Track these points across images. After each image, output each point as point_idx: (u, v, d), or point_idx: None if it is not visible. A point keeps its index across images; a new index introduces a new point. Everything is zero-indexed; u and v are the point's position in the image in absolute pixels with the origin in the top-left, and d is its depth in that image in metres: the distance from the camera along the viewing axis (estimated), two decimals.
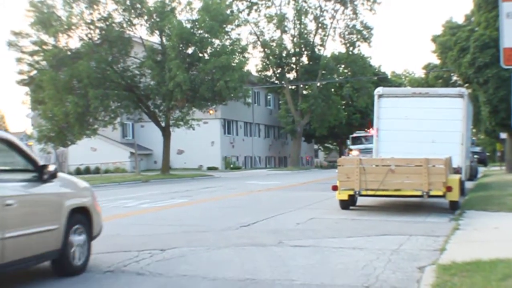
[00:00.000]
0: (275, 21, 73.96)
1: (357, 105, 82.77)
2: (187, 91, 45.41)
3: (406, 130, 22.09)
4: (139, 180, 41.53)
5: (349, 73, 79.40)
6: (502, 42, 14.35)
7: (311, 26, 77.04)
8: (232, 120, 71.48)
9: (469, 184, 27.99)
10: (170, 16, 45.92)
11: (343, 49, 77.81)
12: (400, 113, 22.42)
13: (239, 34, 52.87)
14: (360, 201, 19.44)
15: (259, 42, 74.77)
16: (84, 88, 45.15)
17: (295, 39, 75.71)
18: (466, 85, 46.02)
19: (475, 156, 45.09)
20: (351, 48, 77.14)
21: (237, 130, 73.42)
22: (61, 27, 44.87)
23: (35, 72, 47.15)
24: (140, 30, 48.63)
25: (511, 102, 14.57)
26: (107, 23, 46.39)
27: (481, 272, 8.31)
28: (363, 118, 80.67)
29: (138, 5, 46.60)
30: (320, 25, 76.25)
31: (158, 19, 46.49)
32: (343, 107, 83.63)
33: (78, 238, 9.45)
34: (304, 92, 77.53)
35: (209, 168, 64.37)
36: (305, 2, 75.71)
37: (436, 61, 73.19)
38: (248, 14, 73.77)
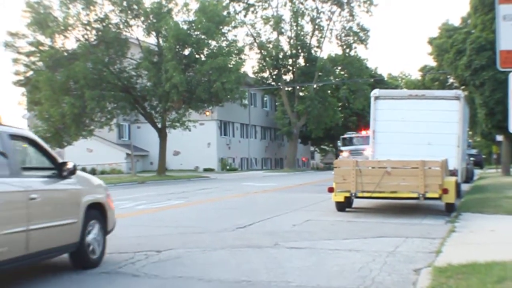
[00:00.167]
0: (271, 22, 74.04)
1: (354, 107, 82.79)
2: (184, 93, 45.38)
3: (402, 132, 22.09)
4: (135, 181, 41.49)
5: (346, 75, 79.53)
6: (499, 44, 14.37)
7: (308, 27, 77.25)
8: (229, 121, 71.46)
9: (465, 187, 27.98)
10: (166, 17, 45.88)
11: (339, 51, 78.08)
12: (397, 115, 22.42)
13: (235, 36, 52.67)
14: (356, 203, 19.45)
15: (255, 44, 74.85)
16: (80, 89, 45.10)
17: (291, 41, 75.81)
18: (463, 87, 46.11)
19: (471, 158, 45.13)
20: (347, 50, 77.29)
21: (233, 132, 73.41)
22: (58, 28, 44.81)
23: (31, 73, 47.08)
24: (137, 31, 48.68)
25: (507, 104, 14.56)
26: (104, 24, 46.34)
27: (477, 275, 8.31)
28: (360, 120, 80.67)
29: (135, 6, 46.57)
30: (316, 27, 76.36)
31: (154, 20, 46.46)
32: (340, 109, 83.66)
33: (94, 233, 10.02)
34: (301, 93, 77.60)
35: (205, 170, 64.35)
36: (302, 4, 75.86)
37: (432, 63, 73.31)
38: (245, 16, 73.90)
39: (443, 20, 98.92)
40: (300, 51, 76.49)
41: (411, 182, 16.82)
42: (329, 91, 79.17)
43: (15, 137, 8.78)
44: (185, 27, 46.62)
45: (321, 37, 77.08)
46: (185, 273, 9.39)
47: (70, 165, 9.40)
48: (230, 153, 71.55)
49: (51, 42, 45.68)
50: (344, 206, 18.52)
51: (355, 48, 77.79)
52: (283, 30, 75.33)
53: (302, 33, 76.50)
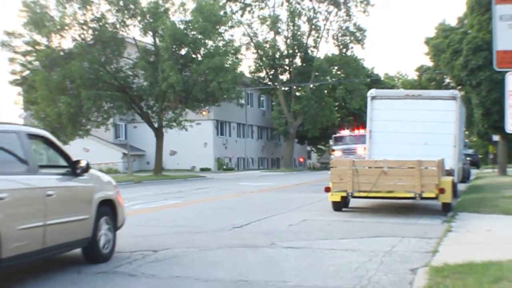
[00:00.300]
0: (268, 22, 74.01)
1: (350, 106, 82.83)
2: (180, 92, 45.36)
3: (399, 132, 22.08)
4: (131, 181, 41.44)
5: (342, 74, 79.56)
6: (495, 44, 14.40)
7: (305, 27, 77.25)
8: (225, 121, 71.45)
9: (461, 186, 28.02)
10: (163, 17, 45.86)
11: (336, 51, 78.05)
12: (393, 115, 22.41)
13: (232, 36, 52.85)
14: (353, 202, 19.45)
15: (252, 44, 74.82)
16: (76, 89, 45.04)
17: (288, 41, 75.79)
18: (459, 87, 46.18)
19: (468, 158, 45.14)
20: (344, 50, 77.32)
21: (230, 131, 73.39)
22: (54, 27, 44.74)
23: (27, 72, 47.02)
24: (133, 31, 48.60)
25: (504, 104, 14.59)
26: (100, 23, 46.28)
27: (473, 274, 8.32)
28: (356, 120, 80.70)
29: (132, 6, 46.50)
30: (313, 26, 76.36)
31: (151, 20, 46.41)
32: (336, 108, 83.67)
33: (105, 228, 10.52)
34: (297, 93, 77.60)
35: (202, 169, 64.35)
36: (299, 3, 75.86)
37: (429, 63, 73.48)
38: (242, 16, 73.87)
39: (439, 20, 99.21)
40: (296, 51, 76.48)
41: (408, 182, 16.83)
42: (325, 91, 79.13)
43: (32, 136, 9.25)
44: (181, 26, 46.59)
45: (317, 37, 77.13)
46: (182, 273, 9.39)
47: (83, 163, 9.85)
48: (226, 152, 71.53)
49: (47, 42, 45.62)
50: (340, 205, 18.53)
51: (352, 48, 77.91)
52: (279, 30, 75.32)
53: (298, 33, 76.48)
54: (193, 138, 63.09)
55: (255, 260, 10.46)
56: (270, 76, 76.56)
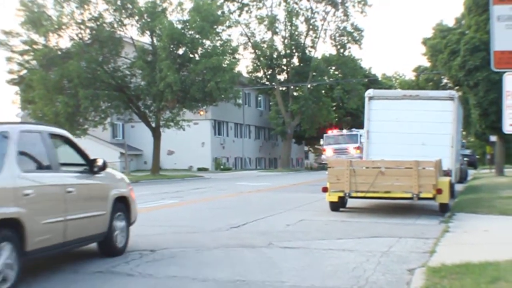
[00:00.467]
0: (266, 22, 74.00)
1: (348, 107, 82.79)
2: (178, 92, 45.33)
3: (396, 133, 22.09)
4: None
5: (340, 75, 79.48)
6: (493, 45, 14.40)
7: (302, 27, 77.23)
8: (223, 121, 71.42)
9: (459, 187, 28.04)
10: (161, 16, 45.82)
11: (333, 51, 78.09)
12: (391, 115, 22.42)
13: (230, 35, 52.70)
14: (350, 203, 19.46)
15: (250, 43, 74.81)
16: (74, 88, 45.01)
17: (286, 41, 75.79)
18: (457, 87, 46.27)
19: (465, 158, 45.21)
20: (341, 50, 77.32)
21: (227, 131, 73.35)
22: (52, 26, 44.69)
23: (25, 71, 46.96)
24: (131, 31, 48.61)
25: (501, 105, 14.59)
26: (98, 23, 46.24)
27: (471, 275, 8.33)
28: (354, 120, 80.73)
29: (129, 5, 46.48)
30: (311, 26, 76.36)
31: (149, 20, 46.38)
32: (334, 109, 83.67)
33: (119, 224, 11.10)
34: (295, 93, 77.59)
35: (199, 169, 64.29)
36: (296, 3, 75.86)
37: (426, 63, 73.58)
38: (239, 15, 73.87)
39: (437, 21, 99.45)
40: (294, 51, 76.48)
41: (405, 182, 16.84)
42: (323, 91, 79.15)
43: (54, 135, 9.86)
44: (179, 26, 46.57)
45: (315, 37, 77.15)
46: (180, 273, 9.39)
47: (100, 162, 10.47)
48: (224, 152, 71.50)
49: (45, 41, 45.57)
50: (338, 206, 18.54)
51: (349, 48, 77.92)
52: (277, 30, 75.32)
53: (296, 33, 76.50)
54: (191, 138, 63.03)
55: (253, 260, 10.47)
56: (268, 76, 76.56)
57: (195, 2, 46.79)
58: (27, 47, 45.67)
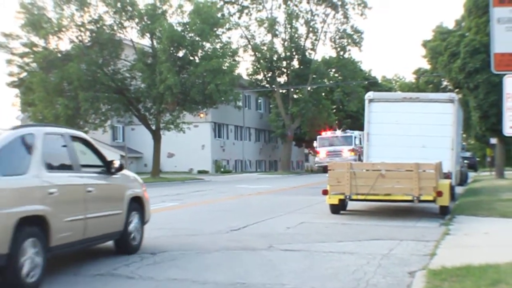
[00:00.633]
0: (266, 25, 74.02)
1: (348, 109, 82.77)
2: (178, 94, 45.33)
3: (396, 135, 22.08)
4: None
5: (340, 77, 79.48)
6: (493, 47, 14.40)
7: (302, 30, 77.19)
8: (223, 123, 71.41)
9: (459, 189, 28.04)
10: (161, 19, 45.82)
11: (333, 54, 78.01)
12: (391, 117, 22.40)
13: (230, 38, 52.73)
14: (351, 205, 19.43)
15: (250, 46, 74.77)
16: (74, 91, 45.03)
17: (286, 43, 75.76)
18: (457, 90, 46.25)
19: (465, 161, 45.22)
20: (341, 53, 77.32)
21: (227, 134, 73.34)
22: (52, 29, 44.71)
23: (25, 74, 46.99)
24: (131, 33, 48.56)
25: (501, 107, 14.58)
26: (98, 25, 46.25)
27: (471, 277, 8.33)
28: (354, 122, 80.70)
29: (129, 8, 46.48)
30: (311, 29, 76.35)
31: (149, 22, 46.38)
32: (334, 111, 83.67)
33: (135, 222, 11.60)
34: (295, 96, 77.51)
35: (200, 172, 64.27)
36: (296, 6, 75.86)
37: (426, 66, 73.61)
38: (239, 18, 73.88)
39: (437, 23, 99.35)
40: (294, 53, 76.44)
41: (405, 185, 16.83)
42: (323, 94, 79.13)
43: (74, 138, 10.46)
44: (179, 28, 46.57)
45: (315, 39, 77.11)
46: (180, 275, 9.39)
47: (117, 164, 11.05)
48: (224, 155, 71.49)
49: (45, 43, 45.58)
50: (338, 208, 18.52)
51: (349, 50, 77.91)
52: (277, 32, 75.31)
53: (296, 35, 76.47)
54: (191, 141, 63.02)
55: (253, 262, 10.47)
56: (268, 79, 76.54)
57: (195, 4, 46.80)
58: (27, 50, 45.70)
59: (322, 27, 76.53)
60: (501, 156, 46.43)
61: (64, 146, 9.91)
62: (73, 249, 9.81)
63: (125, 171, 11.67)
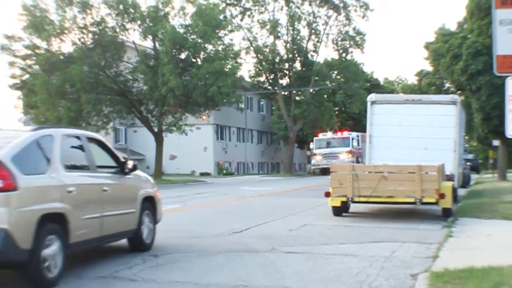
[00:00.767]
0: (268, 27, 73.98)
1: (350, 111, 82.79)
2: (180, 96, 45.34)
3: (399, 137, 22.06)
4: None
5: (342, 79, 79.41)
6: (495, 49, 14.41)
7: (304, 32, 77.14)
8: (225, 125, 71.42)
9: (461, 191, 28.01)
10: (163, 21, 45.86)
11: (336, 55, 77.92)
12: (393, 119, 22.39)
13: (232, 40, 52.70)
14: (353, 207, 19.41)
15: (252, 48, 74.74)
16: (76, 93, 45.07)
17: (288, 45, 75.72)
18: (459, 92, 46.19)
19: (468, 163, 45.14)
20: (344, 54, 77.25)
21: (229, 136, 73.34)
22: (54, 31, 44.77)
23: (27, 76, 47.06)
24: (133, 35, 48.59)
25: (504, 109, 14.59)
26: (100, 27, 46.30)
27: (474, 280, 8.31)
28: (356, 124, 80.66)
29: (131, 10, 46.52)
30: (313, 31, 76.30)
31: (151, 24, 46.41)
32: (336, 113, 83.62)
33: (147, 221, 12.03)
34: (297, 98, 77.47)
35: (202, 174, 64.24)
36: (298, 8, 75.81)
37: (428, 68, 73.42)
38: (241, 20, 73.82)
39: (439, 25, 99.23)
40: (296, 55, 76.40)
41: (408, 187, 16.82)
42: (325, 96, 79.09)
43: (91, 139, 10.88)
44: (181, 30, 46.61)
45: (317, 41, 77.05)
46: (182, 278, 9.38)
47: (130, 165, 11.48)
48: (226, 157, 71.46)
49: (47, 46, 45.64)
50: (340, 210, 18.48)
51: (351, 52, 77.78)
52: (279, 34, 75.24)
53: (298, 37, 76.39)
54: (193, 143, 62.98)
55: (255, 265, 10.45)
56: (270, 81, 76.48)
57: (198, 6, 46.83)
58: (29, 52, 45.76)
59: (324, 29, 76.55)
60: (503, 158, 46.39)
61: (81, 147, 10.33)
62: (90, 246, 10.25)
63: (137, 172, 12.03)
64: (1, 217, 8.08)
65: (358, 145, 59.83)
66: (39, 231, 8.45)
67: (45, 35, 44.19)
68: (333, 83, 79.66)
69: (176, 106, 46.91)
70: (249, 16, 74.91)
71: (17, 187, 8.28)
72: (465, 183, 34.16)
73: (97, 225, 10.08)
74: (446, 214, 17.94)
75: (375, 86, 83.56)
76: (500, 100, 32.73)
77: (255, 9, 74.99)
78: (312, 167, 66.15)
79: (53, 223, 8.86)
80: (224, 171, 68.18)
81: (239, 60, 51.53)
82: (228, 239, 13.60)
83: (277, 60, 75.26)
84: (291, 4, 74.75)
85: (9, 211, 8.14)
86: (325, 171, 58.19)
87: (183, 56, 47.47)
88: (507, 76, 14.38)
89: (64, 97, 45.50)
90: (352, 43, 76.89)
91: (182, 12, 47.63)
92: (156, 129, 49.94)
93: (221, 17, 51.57)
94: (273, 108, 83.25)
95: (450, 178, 20.41)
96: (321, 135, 62.78)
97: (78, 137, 10.43)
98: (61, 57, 46.22)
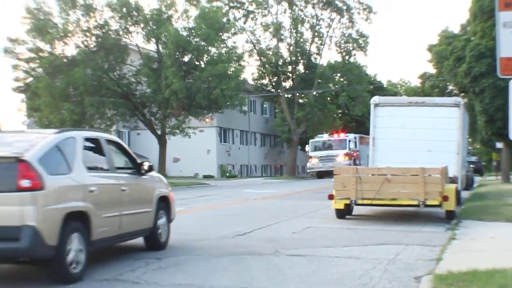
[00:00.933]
0: (271, 29, 73.94)
1: (353, 113, 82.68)
2: (183, 99, 45.40)
3: (402, 139, 22.07)
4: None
5: (345, 82, 79.34)
6: (499, 51, 14.37)
7: (307, 34, 77.02)
8: (228, 128, 71.38)
9: (465, 194, 27.98)
10: (166, 24, 45.94)
11: (339, 58, 77.84)
12: (396, 122, 22.40)
13: (235, 42, 52.73)
14: (356, 210, 19.39)
15: (255, 51, 74.68)
16: (80, 96, 45.16)
17: (291, 48, 75.67)
18: (462, 94, 46.21)
19: (471, 165, 45.12)
20: (347, 57, 77.17)
21: (233, 139, 73.30)
22: (58, 34, 44.88)
23: (31, 79, 47.17)
24: (137, 38, 48.75)
25: (507, 111, 14.55)
26: (104, 30, 46.41)
27: (478, 282, 8.30)
28: (359, 127, 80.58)
29: (135, 13, 46.63)
30: (316, 33, 76.25)
31: (154, 27, 46.51)
32: (339, 115, 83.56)
33: (162, 220, 12.43)
34: (300, 100, 77.42)
35: (205, 177, 64.15)
36: (302, 11, 75.78)
37: (432, 70, 73.48)
38: (245, 23, 73.76)
39: (442, 27, 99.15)
40: (299, 58, 76.33)
41: (411, 190, 16.79)
42: (328, 98, 78.99)
43: (109, 141, 11.31)
44: (185, 33, 46.69)
45: (320, 44, 76.98)
46: (186, 280, 9.38)
47: (146, 166, 11.85)
48: (229, 160, 71.42)
49: (50, 49, 45.77)
50: (344, 213, 18.47)
51: (355, 55, 77.68)
52: (282, 37, 75.19)
53: (301, 40, 76.34)
54: (196, 145, 62.94)
55: (259, 267, 10.45)
56: (273, 83, 76.44)
57: (201, 9, 46.94)
58: (33, 55, 45.89)
59: (328, 31, 76.47)
60: (507, 160, 46.32)
61: (101, 149, 10.76)
62: (109, 243, 10.77)
63: (152, 173, 12.35)
64: (30, 215, 8.46)
65: (356, 147, 59.35)
66: (64, 228, 8.89)
67: (48, 38, 44.29)
68: (336, 86, 79.58)
69: (180, 108, 46.97)
70: (252, 19, 74.91)
71: (44, 187, 8.68)
72: (468, 185, 34.15)
73: (116, 224, 10.51)
74: (450, 217, 17.92)
75: (378, 89, 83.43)
76: (503, 103, 32.71)
77: (258, 12, 75.00)
78: (308, 170, 65.48)
79: (76, 221, 9.28)
80: (228, 174, 68.14)
81: (242, 63, 51.74)
82: (232, 242, 13.59)
83: (280, 63, 75.20)
84: (294, 7, 74.72)
85: (36, 209, 8.53)
86: (320, 175, 57.76)
87: (186, 59, 47.56)
88: (510, 79, 14.35)
89: (68, 100, 45.62)
90: (355, 45, 76.84)
91: (186, 15, 47.75)
92: (159, 132, 50.01)
93: (224, 20, 51.62)
94: (276, 110, 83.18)
95: (453, 180, 20.41)
96: (317, 138, 62.34)
97: (98, 140, 10.87)
98: (65, 60, 46.36)
